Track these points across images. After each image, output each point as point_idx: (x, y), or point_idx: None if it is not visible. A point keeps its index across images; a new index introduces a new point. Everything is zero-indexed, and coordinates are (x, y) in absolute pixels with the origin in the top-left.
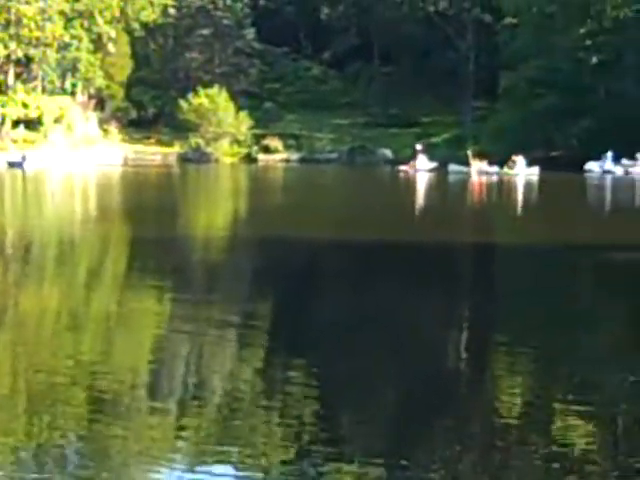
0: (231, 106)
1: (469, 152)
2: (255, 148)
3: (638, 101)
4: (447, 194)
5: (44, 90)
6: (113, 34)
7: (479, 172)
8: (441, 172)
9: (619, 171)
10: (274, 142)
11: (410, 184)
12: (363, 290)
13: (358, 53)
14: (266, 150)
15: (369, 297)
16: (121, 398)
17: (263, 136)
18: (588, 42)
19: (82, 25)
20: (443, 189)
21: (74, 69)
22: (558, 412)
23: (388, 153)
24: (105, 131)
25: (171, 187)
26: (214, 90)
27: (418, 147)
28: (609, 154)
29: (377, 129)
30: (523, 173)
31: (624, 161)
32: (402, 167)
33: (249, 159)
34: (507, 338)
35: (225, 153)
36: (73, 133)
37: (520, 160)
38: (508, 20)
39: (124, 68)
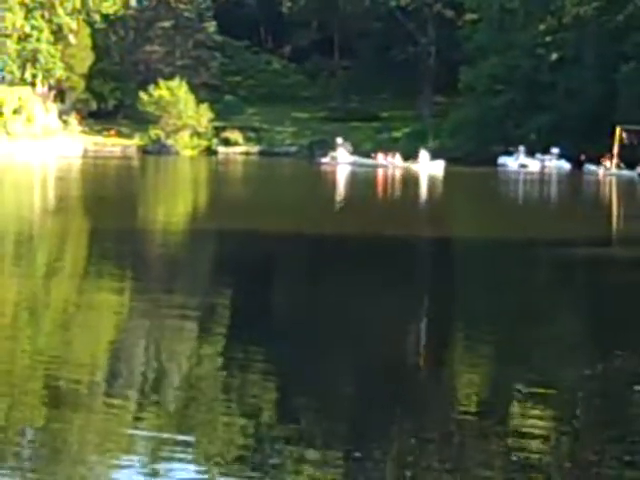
0: (191, 99)
1: (340, 141)
2: (215, 141)
3: (596, 97)
4: (357, 187)
5: (4, 80)
6: (74, 25)
7: (386, 166)
8: (357, 166)
9: (534, 165)
10: (234, 135)
11: (330, 177)
12: (318, 281)
13: (319, 47)
14: (226, 143)
15: (325, 288)
16: (79, 389)
17: (223, 129)
18: (548, 38)
19: (43, 16)
20: (357, 182)
21: (34, 60)
22: (515, 403)
23: (348, 147)
24: (65, 122)
25: (130, 179)
26: (174, 82)
27: (339, 141)
28: (522, 148)
29: (337, 123)
30: (427, 167)
31: (539, 155)
32: (323, 160)
33: (209, 152)
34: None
35: (185, 145)
36: (33, 124)
37: (424, 154)
38: (469, 16)
39: (85, 60)
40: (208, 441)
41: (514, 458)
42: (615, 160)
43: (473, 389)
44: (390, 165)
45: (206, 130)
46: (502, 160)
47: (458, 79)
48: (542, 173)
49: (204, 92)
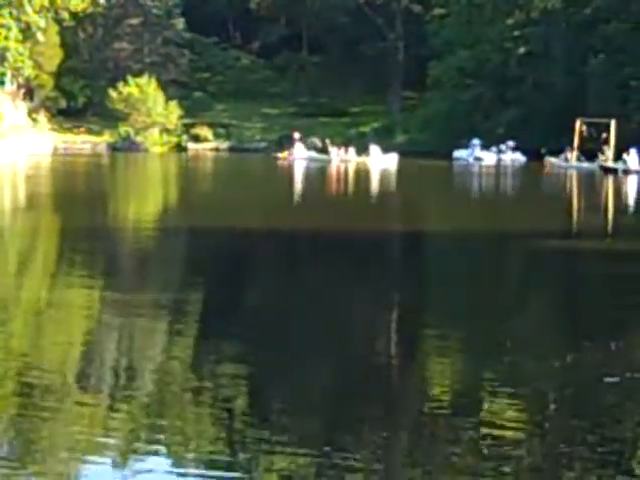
0: (161, 95)
1: (328, 140)
2: (185, 137)
3: (565, 91)
4: (313, 182)
5: None
6: (42, 23)
7: (338, 160)
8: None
9: (490, 158)
10: (204, 131)
11: (287, 172)
12: (287, 277)
13: (287, 43)
14: (196, 139)
15: (295, 284)
16: (51, 388)
17: (193, 125)
18: (516, 33)
19: (11, 14)
20: (312, 177)
21: (2, 58)
22: (487, 398)
23: (318, 142)
24: (34, 120)
25: (100, 176)
26: (143, 80)
27: (296, 136)
28: (477, 141)
29: (306, 118)
30: (380, 161)
31: (494, 148)
32: (279, 155)
33: (179, 148)
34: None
35: (155, 142)
36: (2, 122)
37: (375, 149)
38: (437, 10)
39: (53, 58)
40: (181, 439)
41: (486, 451)
42: (575, 153)
43: (444, 382)
44: (343, 159)
45: (175, 127)
46: (457, 153)
47: (427, 74)
48: (498, 166)
49: (173, 89)
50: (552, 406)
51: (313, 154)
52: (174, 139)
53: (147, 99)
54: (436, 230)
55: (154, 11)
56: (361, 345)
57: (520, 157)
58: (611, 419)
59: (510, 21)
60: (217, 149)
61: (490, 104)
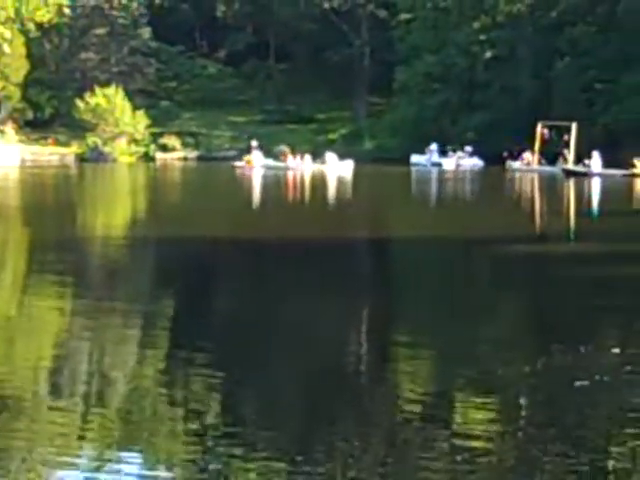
0: (128, 105)
1: (283, 148)
2: (153, 147)
3: (531, 94)
4: (272, 190)
5: None
6: (8, 35)
7: (295, 168)
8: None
9: (448, 163)
10: (172, 141)
11: (246, 180)
12: (255, 286)
13: (254, 51)
14: (164, 149)
15: (262, 292)
16: (24, 398)
17: (160, 135)
18: (482, 37)
19: None
20: (271, 185)
21: None
22: (457, 404)
23: (286, 150)
24: (1, 132)
25: (68, 188)
26: (111, 89)
27: (253, 144)
28: (435, 146)
29: (274, 126)
30: (336, 168)
31: (451, 153)
32: (238, 163)
33: (147, 158)
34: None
35: (123, 152)
36: None
37: (331, 156)
38: (403, 16)
39: (20, 69)
40: (152, 446)
41: (458, 458)
42: (537, 156)
43: (414, 389)
44: (299, 167)
45: (143, 136)
46: (415, 159)
47: (393, 79)
48: (456, 171)
49: (140, 98)
50: (523, 410)
51: (270, 162)
52: (142, 149)
53: (114, 109)
54: (399, 236)
55: (120, 21)
56: (331, 353)
57: (478, 162)
58: (582, 423)
59: (476, 25)
60: (185, 158)
61: (457, 109)
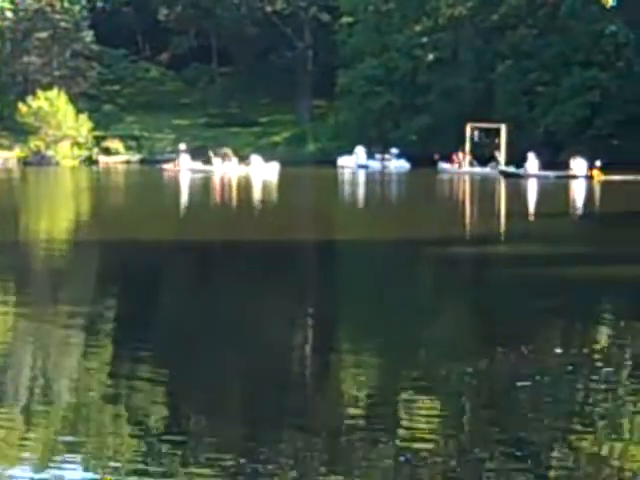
0: (71, 109)
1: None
2: (95, 150)
3: (473, 97)
4: (200, 193)
5: None
6: None
7: (222, 170)
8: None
9: (375, 165)
10: (114, 144)
11: (173, 183)
12: (200, 289)
13: (197, 54)
14: (107, 152)
15: (208, 295)
16: None
17: (103, 138)
18: (424, 40)
19: None
20: (199, 188)
21: None
22: (401, 405)
23: (228, 152)
24: None
25: (11, 192)
26: (53, 93)
27: (181, 147)
28: (362, 148)
29: (217, 129)
30: (261, 171)
31: (378, 155)
32: (166, 166)
33: (90, 161)
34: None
35: (66, 156)
36: None
37: (256, 158)
38: (345, 19)
39: None
40: (97, 450)
41: (402, 459)
42: (468, 158)
43: (359, 391)
44: (226, 170)
45: (86, 140)
46: (341, 161)
47: (336, 82)
48: (382, 173)
49: (83, 102)
50: (466, 411)
51: (198, 165)
52: (85, 152)
53: (57, 112)
54: (330, 239)
55: (62, 24)
56: (273, 356)
57: (404, 164)
58: (524, 422)
59: (418, 28)
60: (128, 162)
61: (400, 111)
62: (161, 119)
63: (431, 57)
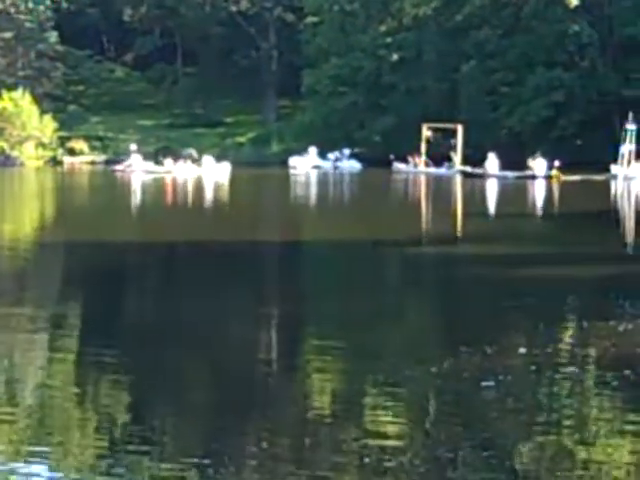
0: (35, 109)
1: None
2: (60, 151)
3: (437, 97)
4: (152, 194)
5: None
6: None
7: (173, 171)
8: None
9: (326, 165)
10: (79, 144)
11: (126, 185)
12: (164, 289)
13: (162, 54)
14: (71, 152)
15: (173, 296)
16: None
17: (68, 139)
18: (389, 40)
19: None
20: (152, 189)
21: None
22: (367, 405)
23: (194, 153)
24: None
25: None
26: (17, 93)
27: (132, 148)
28: (314, 148)
29: (181, 130)
30: (212, 172)
31: (330, 155)
32: (117, 167)
33: (55, 162)
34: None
35: (30, 157)
36: None
37: (208, 159)
38: (310, 19)
39: None
40: (63, 451)
41: (367, 460)
42: (423, 158)
43: (326, 390)
44: (177, 171)
45: (51, 140)
46: (293, 161)
47: (301, 82)
48: (334, 173)
49: (48, 102)
50: (431, 410)
51: (150, 166)
52: (50, 153)
53: (21, 113)
54: (286, 240)
55: (27, 25)
56: (239, 355)
57: (356, 164)
58: (489, 421)
59: (383, 28)
60: (93, 162)
61: (364, 111)
62: (126, 119)
63: (395, 57)
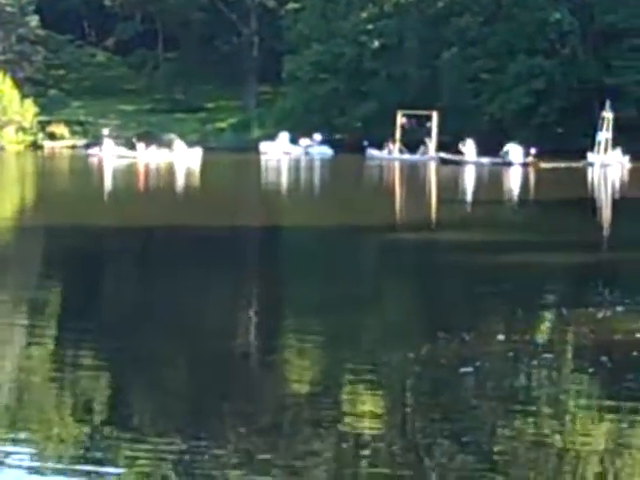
0: (16, 93)
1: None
2: (41, 135)
3: (419, 84)
4: (126, 179)
5: None
6: None
7: (145, 156)
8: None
9: (297, 151)
10: (60, 129)
11: (98, 169)
12: (145, 274)
13: (143, 39)
14: (52, 137)
15: (153, 281)
16: None
17: (49, 123)
18: (370, 26)
19: None
20: (124, 174)
21: None
22: (344, 389)
23: (174, 138)
24: None
25: None
26: None
27: (104, 132)
28: (286, 134)
29: (162, 115)
30: (184, 157)
31: (301, 141)
32: (91, 152)
33: (35, 146)
34: (293, 321)
35: (11, 141)
36: None
37: (179, 144)
38: (291, 5)
39: None
40: (41, 439)
41: (344, 445)
42: (397, 145)
43: (303, 376)
44: (149, 156)
45: (31, 125)
46: (264, 147)
47: (282, 69)
48: (305, 159)
49: (28, 87)
50: (408, 397)
51: (122, 151)
52: (30, 137)
53: (2, 97)
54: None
55: (7, 9)
56: (219, 339)
57: (327, 150)
58: (467, 408)
59: (364, 15)
60: (74, 147)
61: (345, 98)
62: (107, 104)
63: (377, 44)
